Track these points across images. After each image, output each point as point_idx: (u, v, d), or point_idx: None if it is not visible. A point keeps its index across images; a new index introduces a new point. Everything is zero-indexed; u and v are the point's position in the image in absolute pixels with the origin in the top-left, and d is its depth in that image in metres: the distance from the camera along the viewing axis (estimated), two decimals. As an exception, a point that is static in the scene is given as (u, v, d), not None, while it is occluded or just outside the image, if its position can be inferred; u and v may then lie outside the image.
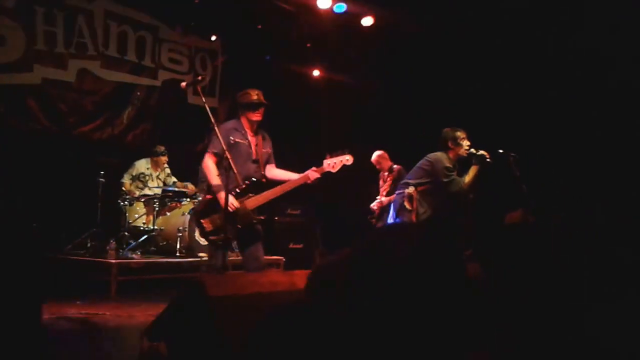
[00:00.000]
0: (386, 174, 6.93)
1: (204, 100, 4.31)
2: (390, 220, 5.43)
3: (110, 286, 6.01)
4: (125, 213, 6.85)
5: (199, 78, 4.59)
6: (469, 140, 5.22)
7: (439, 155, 5.16)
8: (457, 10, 6.89)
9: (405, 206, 5.05)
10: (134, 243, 6.76)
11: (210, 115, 4.22)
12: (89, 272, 6.19)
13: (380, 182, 7.02)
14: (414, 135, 6.82)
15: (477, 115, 6.57)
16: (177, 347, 2.83)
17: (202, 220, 4.28)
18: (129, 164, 7.27)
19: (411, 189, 5.07)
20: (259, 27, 8.03)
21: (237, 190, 4.26)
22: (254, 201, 4.30)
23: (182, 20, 8.07)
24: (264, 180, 4.42)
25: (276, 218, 7.88)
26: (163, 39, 8.04)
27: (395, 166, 6.95)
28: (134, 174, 7.22)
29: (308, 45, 8.19)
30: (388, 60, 7.97)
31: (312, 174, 4.35)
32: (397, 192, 5.34)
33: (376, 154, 7.05)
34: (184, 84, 4.69)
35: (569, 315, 1.42)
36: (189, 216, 6.58)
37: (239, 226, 4.25)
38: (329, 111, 8.61)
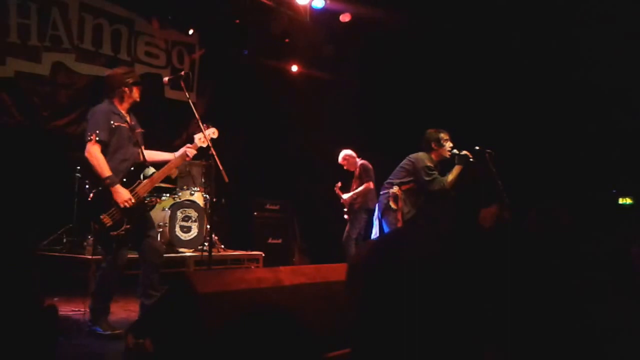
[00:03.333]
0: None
1: (187, 96, 4.28)
2: (375, 220, 5.49)
3: (88, 283, 5.94)
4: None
5: (182, 73, 4.54)
6: (451, 141, 5.31)
7: (420, 155, 5.24)
8: (435, 7, 6.97)
9: (390, 206, 5.11)
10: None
11: (195, 111, 4.22)
12: (66, 269, 6.11)
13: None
14: (396, 135, 6.89)
15: (454, 112, 6.67)
16: (164, 344, 2.84)
17: (101, 217, 4.00)
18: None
19: (396, 189, 5.13)
20: (237, 21, 7.98)
21: (126, 178, 4.12)
22: (145, 187, 4.19)
23: (159, 14, 7.96)
24: (146, 162, 4.30)
25: (255, 213, 7.89)
26: (139, 32, 7.93)
27: (359, 162, 7.06)
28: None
29: (287, 40, 8.18)
30: (366, 58, 8.01)
31: (190, 151, 4.33)
32: (381, 192, 5.40)
33: (341, 155, 7.17)
34: (166, 79, 4.67)
35: (563, 313, 1.45)
36: (169, 211, 6.54)
37: (136, 216, 4.10)
38: (306, 108, 8.62)
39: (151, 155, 4.44)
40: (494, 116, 6.77)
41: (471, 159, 5.21)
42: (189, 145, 4.37)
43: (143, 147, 4.41)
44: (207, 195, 6.92)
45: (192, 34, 8.28)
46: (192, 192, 6.94)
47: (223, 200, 7.48)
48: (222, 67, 8.47)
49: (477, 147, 5.24)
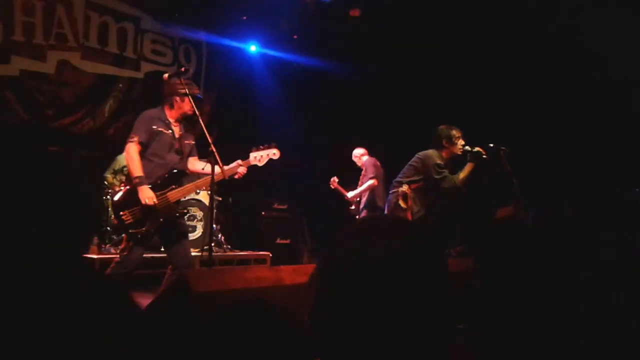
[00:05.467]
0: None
1: (187, 93, 4.18)
2: None
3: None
4: (108, 208, 6.68)
5: (182, 70, 4.45)
6: (464, 139, 5.12)
7: (429, 152, 5.07)
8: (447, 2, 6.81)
9: (399, 205, 4.94)
10: (116, 238, 6.60)
11: (195, 108, 4.11)
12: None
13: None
14: (407, 132, 6.74)
15: (467, 109, 6.51)
16: (159, 344, 2.71)
17: (121, 213, 4.08)
18: (110, 158, 7.09)
19: (405, 187, 4.95)
20: (244, 17, 7.87)
21: (159, 182, 4.14)
22: (177, 193, 4.19)
23: (165, 11, 7.88)
24: (186, 172, 4.33)
25: (263, 213, 7.76)
26: (145, 29, 7.85)
27: (365, 159, 6.96)
28: (116, 168, 7.06)
29: (295, 37, 8.06)
30: (377, 53, 7.86)
31: (241, 168, 4.33)
32: (390, 191, 5.24)
33: (353, 152, 7.08)
34: (166, 75, 4.56)
35: (564, 313, 1.39)
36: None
37: (161, 220, 4.12)
38: (315, 105, 8.49)
39: (200, 166, 4.43)
40: (511, 112, 6.59)
41: (484, 156, 5.01)
42: (240, 161, 4.37)
43: (193, 158, 4.43)
44: (210, 193, 6.83)
45: (199, 31, 8.19)
46: (198, 191, 6.84)
47: (230, 199, 7.37)
48: (229, 64, 8.37)
49: (491, 144, 5.05)
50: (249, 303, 1.42)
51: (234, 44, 8.27)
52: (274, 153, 4.48)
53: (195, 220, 6.59)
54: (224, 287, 3.11)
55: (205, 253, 6.46)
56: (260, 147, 4.46)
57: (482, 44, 6.90)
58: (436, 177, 4.96)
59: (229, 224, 7.51)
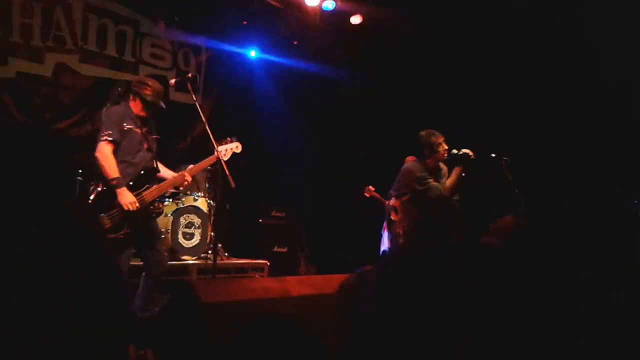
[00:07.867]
0: None
1: (194, 98, 4.14)
2: (383, 231, 5.38)
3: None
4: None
5: (190, 75, 4.42)
6: (446, 143, 5.07)
7: (409, 166, 5.08)
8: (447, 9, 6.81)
9: (391, 218, 4.99)
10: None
11: (201, 114, 4.10)
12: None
13: None
14: (408, 138, 6.72)
15: (470, 116, 6.50)
16: (166, 354, 2.68)
17: (101, 216, 3.93)
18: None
19: (393, 200, 5.00)
20: (245, 22, 7.83)
21: (132, 182, 4.03)
22: (152, 193, 4.09)
23: (165, 15, 7.83)
24: (158, 169, 4.25)
25: (260, 220, 7.68)
26: (144, 33, 7.79)
27: None
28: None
29: (295, 42, 8.03)
30: (378, 59, 7.85)
31: (189, 177, 4.26)
32: (385, 202, 5.29)
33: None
34: (172, 81, 4.55)
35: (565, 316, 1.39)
36: (171, 217, 6.34)
37: (138, 222, 4.00)
38: (314, 111, 8.45)
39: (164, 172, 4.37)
40: (513, 123, 6.58)
41: (471, 157, 4.96)
42: (191, 166, 4.35)
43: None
44: (211, 201, 6.74)
45: (199, 35, 8.14)
46: (196, 198, 6.75)
47: (227, 206, 7.29)
48: (229, 69, 8.32)
49: (493, 155, 5.03)
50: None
51: (234, 49, 8.22)
52: (236, 146, 4.45)
53: (193, 227, 6.50)
54: (232, 297, 3.06)
55: (203, 261, 6.40)
56: (222, 141, 4.42)
57: (483, 51, 6.91)
58: (419, 188, 4.95)
59: (225, 231, 7.43)
